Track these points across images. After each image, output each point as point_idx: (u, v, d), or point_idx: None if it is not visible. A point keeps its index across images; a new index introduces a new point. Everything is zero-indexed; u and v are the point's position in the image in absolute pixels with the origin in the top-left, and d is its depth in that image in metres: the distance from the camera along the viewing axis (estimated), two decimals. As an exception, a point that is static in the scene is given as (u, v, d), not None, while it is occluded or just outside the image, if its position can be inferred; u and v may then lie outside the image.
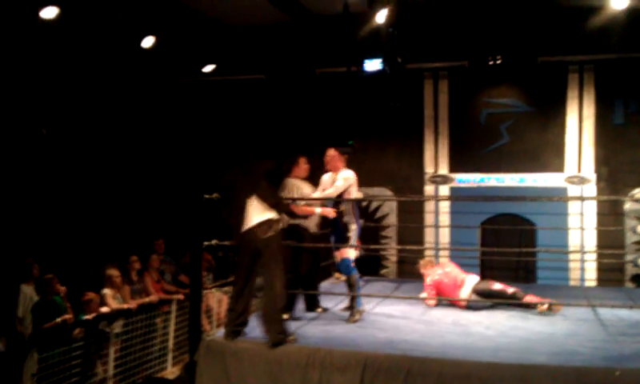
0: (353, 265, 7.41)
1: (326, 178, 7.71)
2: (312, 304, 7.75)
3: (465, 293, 8.20)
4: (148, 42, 11.10)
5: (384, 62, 10.94)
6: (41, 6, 8.96)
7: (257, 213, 6.14)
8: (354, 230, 7.40)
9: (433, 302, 8.34)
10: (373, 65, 11.12)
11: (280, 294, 6.11)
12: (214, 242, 6.80)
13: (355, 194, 7.55)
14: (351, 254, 7.43)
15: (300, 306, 7.63)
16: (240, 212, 6.17)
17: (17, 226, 9.70)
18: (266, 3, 11.02)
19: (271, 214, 6.19)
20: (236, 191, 6.28)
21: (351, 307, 7.35)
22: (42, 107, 10.44)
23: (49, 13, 9.04)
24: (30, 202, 10.08)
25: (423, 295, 8.51)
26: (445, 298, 8.32)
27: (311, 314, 7.58)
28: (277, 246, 6.18)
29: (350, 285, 7.40)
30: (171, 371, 9.35)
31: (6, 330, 7.97)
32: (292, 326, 6.69)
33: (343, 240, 7.40)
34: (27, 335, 8.14)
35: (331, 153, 7.58)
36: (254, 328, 6.35)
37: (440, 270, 8.64)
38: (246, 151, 6.72)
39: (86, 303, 8.57)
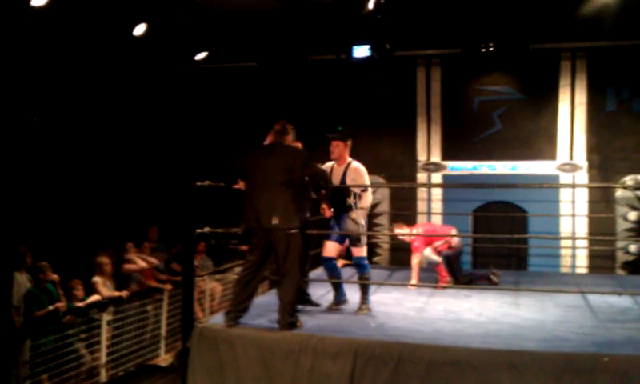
0: (366, 262, 7.25)
1: (327, 166, 7.36)
2: (302, 296, 7.64)
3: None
4: (140, 29, 11.06)
5: (372, 49, 10.94)
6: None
7: (282, 202, 6.00)
8: (362, 225, 7.12)
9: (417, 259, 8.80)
10: (361, 51, 11.13)
11: (298, 282, 6.19)
12: (206, 229, 6.78)
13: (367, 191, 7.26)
14: (364, 251, 7.19)
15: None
16: (261, 199, 6.03)
17: (9, 213, 9.67)
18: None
19: (297, 205, 6.07)
20: (257, 177, 6.13)
21: (361, 302, 7.17)
22: (33, 95, 10.38)
23: (39, 0, 8.98)
24: (22, 190, 10.04)
25: (413, 282, 8.62)
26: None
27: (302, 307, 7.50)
28: (298, 239, 6.11)
29: (363, 284, 7.21)
30: (164, 358, 9.37)
31: (0, 318, 7.98)
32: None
33: (344, 235, 7.18)
34: (21, 323, 8.14)
35: (337, 142, 7.23)
36: (247, 315, 6.37)
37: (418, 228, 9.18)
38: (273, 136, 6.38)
39: (69, 290, 8.58)
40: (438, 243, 8.90)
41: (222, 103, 13.32)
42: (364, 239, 7.17)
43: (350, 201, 7.06)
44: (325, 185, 6.83)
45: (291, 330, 6.05)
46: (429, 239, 8.93)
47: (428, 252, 8.88)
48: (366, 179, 7.14)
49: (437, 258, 8.87)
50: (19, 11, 9.21)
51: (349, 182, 7.11)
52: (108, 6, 10.21)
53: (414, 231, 9.11)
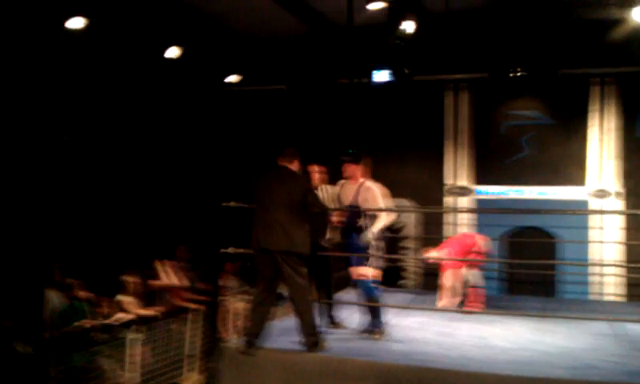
0: (373, 285, 7.03)
1: (340, 183, 7.33)
2: (329, 317, 7.59)
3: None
4: (173, 52, 11.22)
5: (392, 73, 11.00)
6: (67, 16, 9.10)
7: (284, 225, 6.04)
8: (374, 247, 7.01)
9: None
10: (381, 76, 11.22)
11: (309, 302, 6.17)
12: (230, 249, 6.80)
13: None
14: (370, 272, 7.00)
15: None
16: (265, 222, 6.10)
17: (41, 231, 9.83)
18: (288, 15, 11.13)
19: (299, 228, 6.10)
20: (263, 200, 6.21)
21: (372, 327, 7.03)
22: (65, 115, 10.59)
23: (75, 23, 9.18)
24: (54, 209, 10.21)
25: (443, 302, 8.60)
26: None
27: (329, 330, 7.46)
28: (302, 261, 6.12)
29: (371, 306, 7.03)
30: (189, 377, 9.39)
31: (32, 333, 8.07)
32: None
33: (361, 255, 7.02)
34: (51, 339, 8.24)
35: (349, 163, 7.18)
36: (272, 336, 6.37)
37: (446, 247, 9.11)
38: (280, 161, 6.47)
39: (98, 307, 8.68)
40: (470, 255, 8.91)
41: (251, 125, 13.42)
42: (374, 261, 7.04)
43: (361, 222, 7.00)
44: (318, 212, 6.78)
45: (315, 350, 6.02)
46: (460, 255, 8.86)
47: (465, 271, 8.85)
48: (379, 199, 7.01)
49: (472, 278, 8.82)
50: (54, 34, 9.43)
51: (360, 201, 7.03)
52: (142, 30, 10.39)
53: (442, 252, 9.06)
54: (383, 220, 7.04)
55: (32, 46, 9.61)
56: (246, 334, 6.22)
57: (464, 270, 8.83)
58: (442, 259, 8.99)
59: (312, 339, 6.07)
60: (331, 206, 7.16)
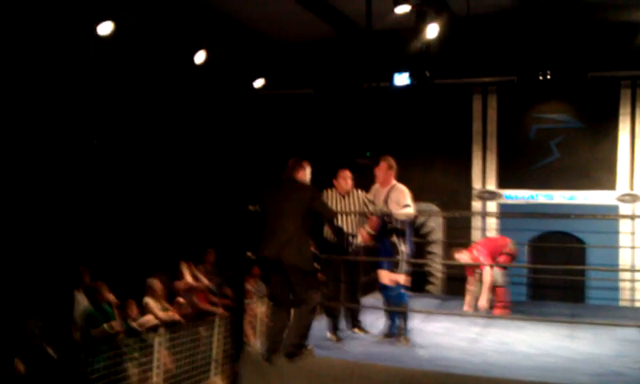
0: (403, 290, 7.04)
1: (373, 189, 7.35)
2: (353, 322, 7.64)
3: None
4: (200, 57, 11.33)
5: (411, 76, 10.98)
6: (97, 21, 9.25)
7: (290, 234, 6.01)
8: (403, 252, 6.98)
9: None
10: (401, 79, 11.20)
11: (311, 311, 6.10)
12: (249, 253, 6.83)
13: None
14: (402, 279, 7.01)
15: (342, 323, 7.47)
16: (272, 231, 6.10)
17: (71, 234, 10.00)
18: (315, 19, 11.17)
19: (302, 238, 6.06)
20: (269, 211, 6.20)
21: (399, 334, 7.02)
22: (95, 119, 10.76)
23: (105, 29, 9.32)
24: (84, 212, 10.38)
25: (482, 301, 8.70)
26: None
27: (351, 333, 7.48)
28: (308, 269, 6.09)
29: (401, 313, 7.04)
30: (215, 382, 9.46)
31: (60, 336, 8.20)
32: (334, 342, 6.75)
33: (390, 261, 7.03)
34: (80, 341, 8.36)
35: (379, 166, 7.22)
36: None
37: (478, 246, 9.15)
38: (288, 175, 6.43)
39: (124, 310, 8.78)
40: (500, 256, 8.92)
41: (278, 129, 13.49)
42: (404, 266, 7.04)
43: (391, 226, 6.99)
44: (326, 221, 6.89)
45: (292, 358, 5.97)
46: (493, 253, 8.88)
47: (495, 271, 8.85)
48: (408, 197, 7.04)
49: (500, 279, 8.82)
50: (85, 39, 9.60)
51: (390, 203, 7.04)
52: (170, 35, 10.52)
53: (475, 252, 9.04)
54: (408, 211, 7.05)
55: (63, 52, 9.79)
56: (268, 344, 6.24)
57: (495, 270, 8.84)
58: (471, 265, 8.97)
59: (293, 349, 6.00)
60: (364, 210, 7.20)
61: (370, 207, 7.22)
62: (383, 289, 7.22)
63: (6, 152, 9.22)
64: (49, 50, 9.59)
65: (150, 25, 10.19)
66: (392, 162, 7.21)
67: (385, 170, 7.18)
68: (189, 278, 10.32)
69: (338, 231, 7.18)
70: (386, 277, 7.14)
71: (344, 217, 7.21)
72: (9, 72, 9.12)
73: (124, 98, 11.34)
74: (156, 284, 9.48)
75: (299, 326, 6.07)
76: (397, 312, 7.08)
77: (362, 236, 7.20)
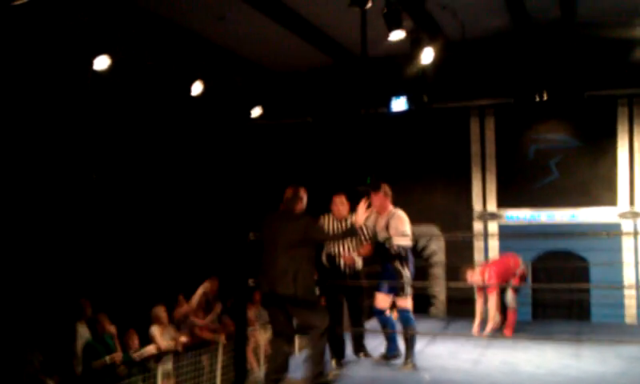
0: (411, 315, 7.06)
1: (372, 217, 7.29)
2: (358, 346, 7.61)
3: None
4: (197, 88, 11.40)
5: (409, 101, 11.06)
6: (93, 56, 9.32)
7: (285, 265, 6.00)
8: (407, 277, 7.01)
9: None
10: (399, 104, 11.28)
11: (321, 335, 6.07)
12: (250, 281, 6.82)
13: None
14: (409, 303, 7.05)
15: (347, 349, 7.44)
16: (267, 264, 6.13)
17: (72, 266, 10.00)
18: (311, 48, 11.25)
19: (298, 267, 6.04)
20: (268, 240, 6.23)
21: (405, 357, 7.04)
22: (93, 153, 10.81)
23: (101, 63, 9.39)
24: (84, 244, 10.38)
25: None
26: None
27: (356, 358, 7.44)
28: (308, 298, 6.09)
29: (409, 337, 7.05)
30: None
31: (61, 368, 8.16)
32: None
33: (394, 285, 7.04)
34: (82, 374, 8.32)
35: (375, 194, 7.21)
36: (298, 367, 6.36)
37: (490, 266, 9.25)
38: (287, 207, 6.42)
39: (126, 341, 8.74)
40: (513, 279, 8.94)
41: (277, 158, 13.52)
42: (408, 290, 7.04)
43: (393, 250, 7.00)
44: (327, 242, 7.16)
45: (320, 381, 5.96)
46: (505, 276, 8.85)
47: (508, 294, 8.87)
48: (406, 225, 7.07)
49: (513, 302, 8.81)
50: (82, 74, 9.67)
51: (391, 229, 7.05)
52: (165, 67, 10.60)
53: (486, 274, 9.00)
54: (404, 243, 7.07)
55: (60, 87, 9.86)
56: (270, 373, 6.18)
57: (509, 293, 8.85)
58: (483, 286, 8.94)
59: (315, 381, 5.99)
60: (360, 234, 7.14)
61: (365, 232, 7.21)
62: (377, 313, 7.21)
63: (7, 186, 9.25)
64: (46, 85, 9.65)
65: (146, 58, 10.27)
66: (387, 189, 7.26)
67: (382, 197, 7.21)
68: (190, 309, 10.25)
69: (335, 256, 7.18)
70: (381, 301, 7.14)
71: (341, 241, 7.22)
72: (6, 107, 9.18)
73: (122, 131, 11.38)
74: (161, 312, 9.44)
75: (314, 354, 6.05)
76: (397, 334, 7.07)
77: (345, 258, 7.22)
